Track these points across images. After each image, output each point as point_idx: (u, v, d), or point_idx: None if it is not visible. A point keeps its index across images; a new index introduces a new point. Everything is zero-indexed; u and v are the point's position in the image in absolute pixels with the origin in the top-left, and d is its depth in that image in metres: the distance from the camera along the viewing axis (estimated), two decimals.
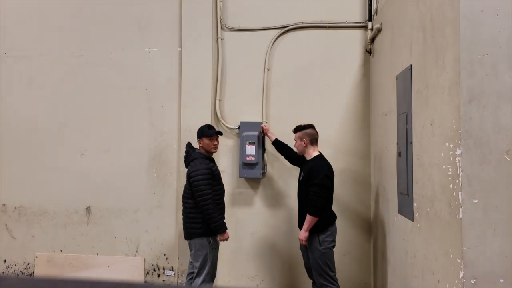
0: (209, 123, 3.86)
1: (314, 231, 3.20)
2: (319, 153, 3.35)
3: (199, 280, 3.26)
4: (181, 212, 3.46)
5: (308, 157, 3.34)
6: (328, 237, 3.22)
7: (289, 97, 4.16)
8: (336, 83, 4.10)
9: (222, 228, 3.28)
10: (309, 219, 3.16)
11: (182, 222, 3.43)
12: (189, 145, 3.48)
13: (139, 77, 4.30)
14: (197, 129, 3.48)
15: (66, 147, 4.38)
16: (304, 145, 3.33)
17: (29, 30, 4.49)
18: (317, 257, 3.21)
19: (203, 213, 3.22)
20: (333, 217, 3.32)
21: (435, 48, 2.16)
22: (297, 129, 3.41)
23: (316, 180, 3.15)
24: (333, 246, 3.27)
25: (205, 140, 3.39)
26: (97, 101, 4.36)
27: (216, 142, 3.46)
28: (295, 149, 3.52)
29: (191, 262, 3.43)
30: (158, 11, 4.29)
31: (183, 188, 3.45)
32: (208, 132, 3.40)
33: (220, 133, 3.54)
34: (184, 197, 3.40)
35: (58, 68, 4.43)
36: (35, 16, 4.49)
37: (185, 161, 3.45)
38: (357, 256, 4.03)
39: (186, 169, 3.42)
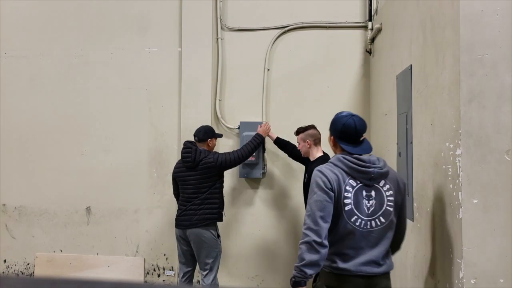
0: (209, 123, 3.92)
1: None
2: (322, 154, 3.31)
3: (211, 276, 3.30)
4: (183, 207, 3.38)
5: (312, 158, 3.31)
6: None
7: (289, 97, 4.15)
8: (336, 83, 4.10)
9: (261, 136, 3.62)
10: None
11: (185, 213, 3.32)
12: (193, 143, 3.41)
13: (139, 77, 4.30)
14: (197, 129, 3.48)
15: (66, 147, 4.38)
16: (308, 146, 3.30)
17: (29, 30, 4.49)
18: None
19: (249, 153, 3.47)
20: None
21: (435, 48, 2.15)
22: (299, 131, 3.38)
23: None
24: None
25: (214, 141, 3.54)
26: (97, 101, 4.36)
27: None
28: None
29: (184, 262, 3.43)
30: (158, 11, 4.28)
31: (186, 189, 3.37)
32: (218, 134, 3.62)
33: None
34: (194, 192, 3.31)
35: (58, 68, 4.43)
36: (35, 16, 4.49)
37: (192, 158, 3.28)
38: None
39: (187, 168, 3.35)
